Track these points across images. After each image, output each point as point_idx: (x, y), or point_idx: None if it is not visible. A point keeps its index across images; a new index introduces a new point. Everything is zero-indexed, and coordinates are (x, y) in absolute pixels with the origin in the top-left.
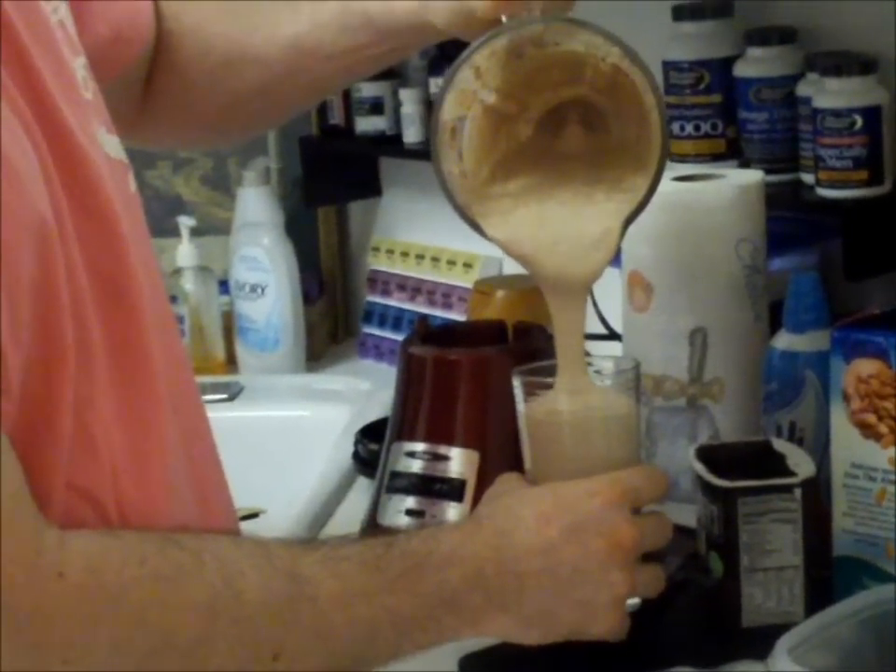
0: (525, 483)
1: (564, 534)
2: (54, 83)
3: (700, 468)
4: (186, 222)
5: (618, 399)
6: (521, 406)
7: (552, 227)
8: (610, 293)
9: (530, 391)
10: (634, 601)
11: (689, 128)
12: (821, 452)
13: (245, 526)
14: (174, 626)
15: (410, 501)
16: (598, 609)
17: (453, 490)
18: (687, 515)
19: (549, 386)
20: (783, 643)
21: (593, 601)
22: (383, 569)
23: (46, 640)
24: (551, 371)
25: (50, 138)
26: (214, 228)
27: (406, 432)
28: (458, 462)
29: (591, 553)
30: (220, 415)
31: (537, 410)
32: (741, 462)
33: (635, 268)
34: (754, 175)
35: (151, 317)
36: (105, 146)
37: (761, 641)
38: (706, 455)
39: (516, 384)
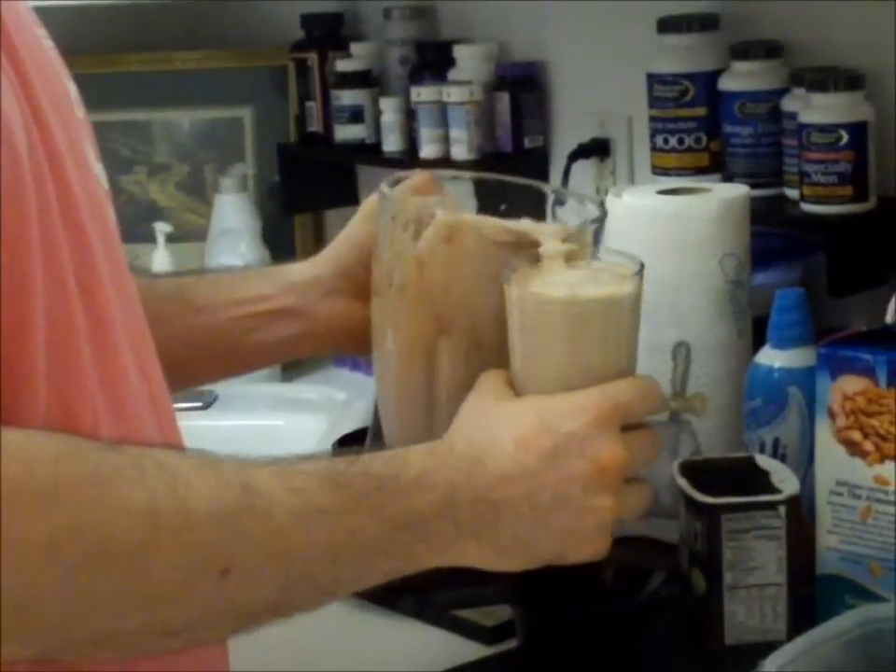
0: (508, 387)
1: (544, 458)
2: (47, 100)
3: (684, 483)
4: (162, 228)
5: (620, 286)
6: (510, 287)
7: None
8: None
9: (521, 264)
10: (621, 525)
11: (673, 141)
12: (805, 469)
13: None
14: (110, 530)
15: None
16: (582, 537)
17: None
18: (670, 531)
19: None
20: (769, 664)
21: (576, 529)
22: (343, 487)
23: None
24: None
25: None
26: (190, 234)
27: (383, 442)
28: None
29: (574, 477)
30: (194, 424)
31: (527, 293)
32: (725, 478)
33: None
34: (739, 190)
35: (122, 333)
36: (94, 167)
37: (743, 659)
38: (689, 470)
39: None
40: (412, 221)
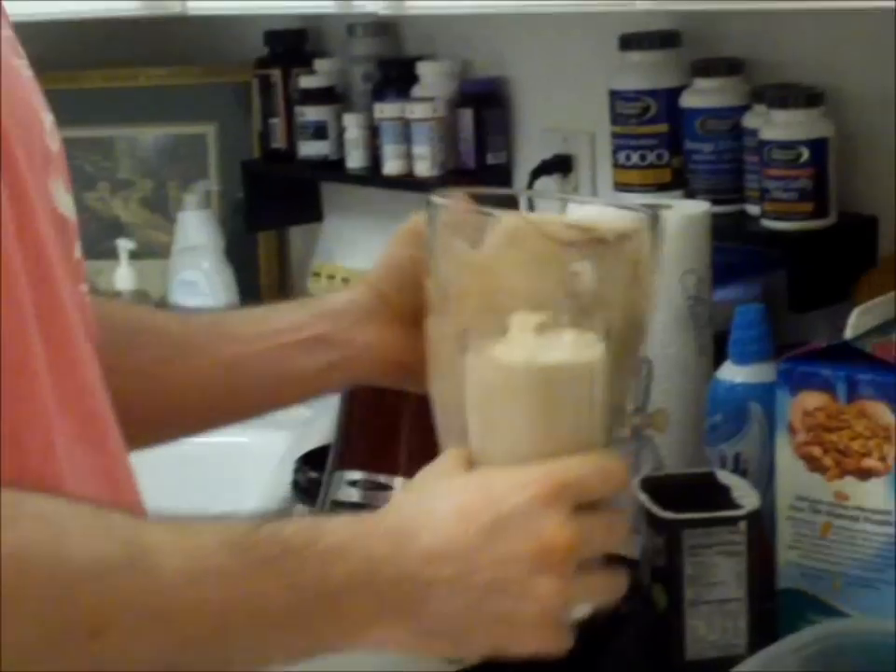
0: (462, 464)
1: (483, 535)
2: (15, 131)
3: (645, 499)
4: (124, 245)
5: (583, 353)
6: (468, 353)
7: None
8: None
9: (478, 337)
10: (582, 612)
11: (634, 157)
12: (766, 484)
13: None
14: None
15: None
16: (523, 625)
17: None
18: (631, 547)
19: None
20: None
21: (515, 615)
22: (246, 549)
23: None
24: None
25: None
26: (153, 251)
27: (347, 461)
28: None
29: (514, 557)
30: None
31: (482, 358)
32: (685, 494)
33: None
34: (700, 206)
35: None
36: (60, 203)
37: None
38: (650, 486)
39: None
40: (469, 226)
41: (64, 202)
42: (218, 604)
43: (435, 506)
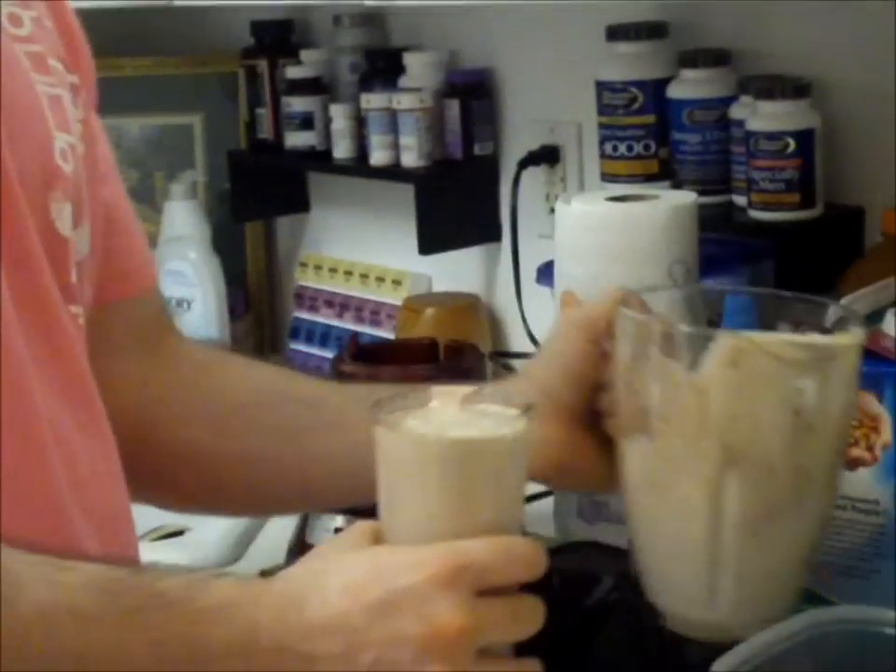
0: (370, 539)
1: (371, 613)
2: (8, 141)
3: None
4: None
5: (502, 429)
6: (378, 426)
7: None
8: (542, 313)
9: (392, 409)
10: None
11: (622, 148)
12: None
13: (170, 544)
14: None
15: (339, 520)
16: None
17: None
18: (619, 536)
19: (419, 405)
20: (718, 667)
21: None
22: (114, 595)
23: None
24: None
25: None
26: None
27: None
28: None
29: (403, 639)
30: None
31: (390, 431)
32: None
33: (567, 287)
34: (688, 197)
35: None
36: (61, 225)
37: (693, 663)
38: None
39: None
40: (683, 347)
41: (66, 224)
42: (72, 648)
43: (326, 580)
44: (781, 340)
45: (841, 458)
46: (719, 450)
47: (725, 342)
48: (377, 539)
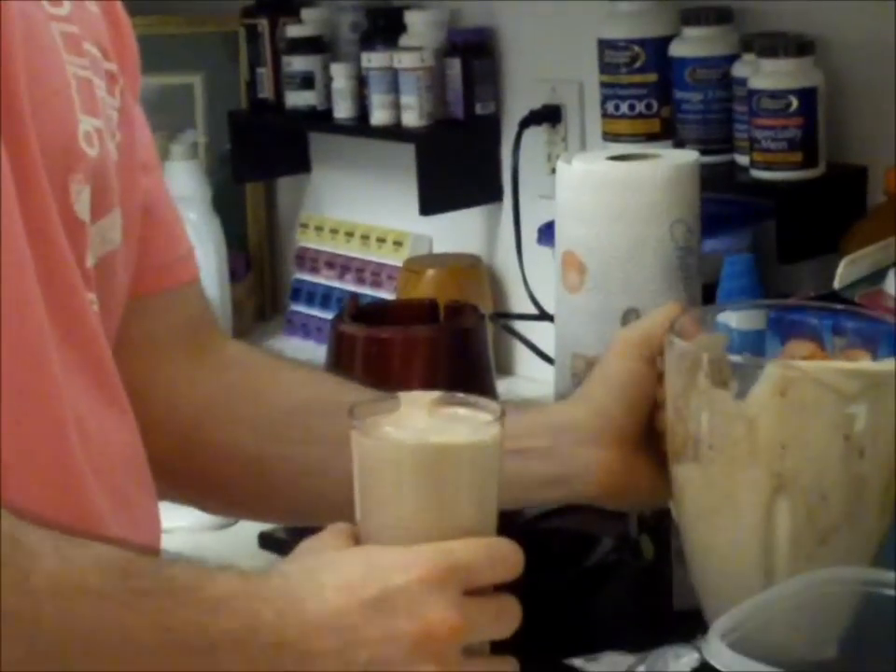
0: (350, 539)
1: (367, 611)
2: (33, 118)
3: None
4: None
5: (480, 434)
6: (356, 431)
7: None
8: (543, 273)
9: (368, 414)
10: None
11: (623, 107)
12: None
13: (172, 507)
14: None
15: None
16: None
17: None
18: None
19: (390, 410)
20: (717, 627)
21: None
22: (126, 576)
23: None
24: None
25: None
26: None
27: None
28: None
29: (396, 637)
30: None
31: (369, 436)
32: None
33: (568, 248)
34: (689, 156)
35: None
36: (79, 208)
37: (692, 624)
38: None
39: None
40: (732, 376)
41: (84, 208)
42: (83, 625)
43: (319, 577)
44: (830, 367)
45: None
46: (768, 478)
47: (774, 371)
48: (353, 539)
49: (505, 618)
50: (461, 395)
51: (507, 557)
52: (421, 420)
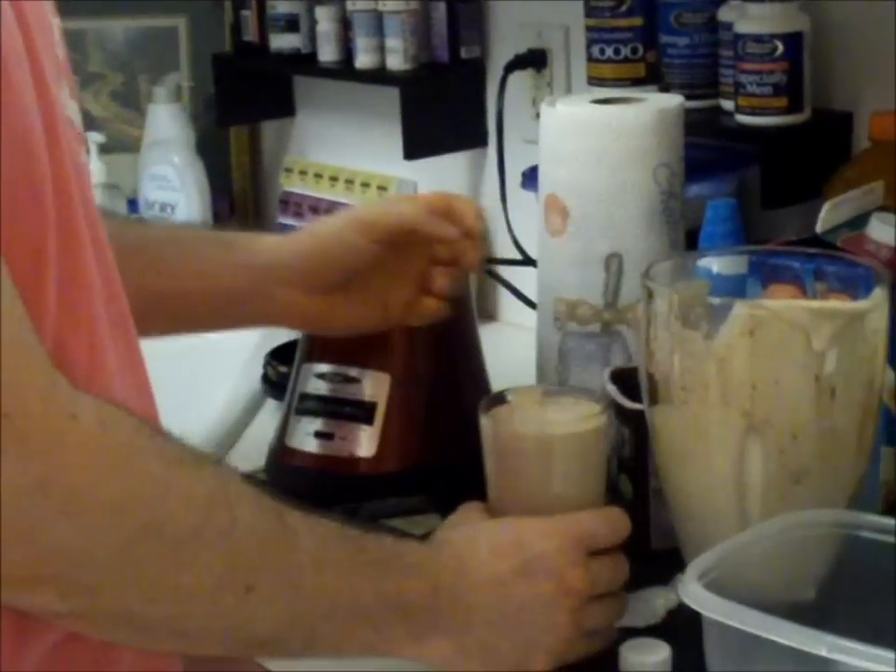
0: (486, 513)
1: (515, 572)
2: (39, 39)
3: (613, 390)
4: (95, 138)
5: (585, 424)
6: (485, 425)
7: None
8: (526, 218)
9: (494, 408)
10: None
11: (609, 51)
12: None
13: None
14: (170, 509)
15: (319, 423)
16: (540, 650)
17: (363, 413)
18: None
19: (510, 402)
20: (694, 568)
21: (535, 642)
22: (360, 549)
23: (51, 479)
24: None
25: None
26: (123, 145)
27: (316, 354)
28: (369, 385)
29: (539, 594)
30: None
31: (502, 430)
32: None
33: (551, 191)
34: (674, 100)
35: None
36: (68, 108)
37: (671, 563)
38: (619, 378)
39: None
40: (701, 316)
41: (71, 107)
42: (331, 591)
43: (475, 542)
44: (798, 306)
45: (872, 419)
46: (740, 418)
47: (742, 311)
48: (489, 513)
49: (619, 572)
50: (564, 387)
51: (620, 524)
52: (538, 411)
